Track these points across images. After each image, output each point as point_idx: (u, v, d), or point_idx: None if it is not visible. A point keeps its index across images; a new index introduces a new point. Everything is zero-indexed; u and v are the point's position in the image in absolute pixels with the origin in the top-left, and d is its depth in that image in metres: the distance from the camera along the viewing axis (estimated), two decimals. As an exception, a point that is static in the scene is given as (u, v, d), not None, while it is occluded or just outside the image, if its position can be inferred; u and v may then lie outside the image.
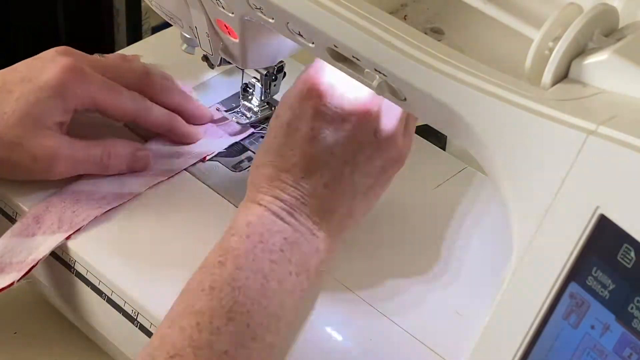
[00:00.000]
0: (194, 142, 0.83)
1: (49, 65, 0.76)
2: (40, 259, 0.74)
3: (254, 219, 0.69)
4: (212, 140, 0.84)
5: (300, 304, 0.68)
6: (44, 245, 0.74)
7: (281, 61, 0.82)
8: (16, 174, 0.77)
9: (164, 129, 0.82)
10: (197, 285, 0.66)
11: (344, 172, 0.71)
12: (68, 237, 0.75)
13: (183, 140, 0.82)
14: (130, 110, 0.80)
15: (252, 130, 0.85)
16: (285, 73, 0.84)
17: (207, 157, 0.82)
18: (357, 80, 0.66)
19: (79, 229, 0.75)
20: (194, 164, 0.82)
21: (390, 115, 0.72)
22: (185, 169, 0.81)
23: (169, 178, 0.80)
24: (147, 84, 0.82)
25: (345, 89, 0.70)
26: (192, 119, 0.84)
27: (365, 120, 0.71)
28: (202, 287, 0.65)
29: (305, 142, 0.70)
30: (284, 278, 0.67)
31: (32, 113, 0.75)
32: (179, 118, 0.83)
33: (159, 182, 0.80)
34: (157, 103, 0.82)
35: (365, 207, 0.73)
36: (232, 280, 0.65)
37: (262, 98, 0.85)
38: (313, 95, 0.70)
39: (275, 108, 0.86)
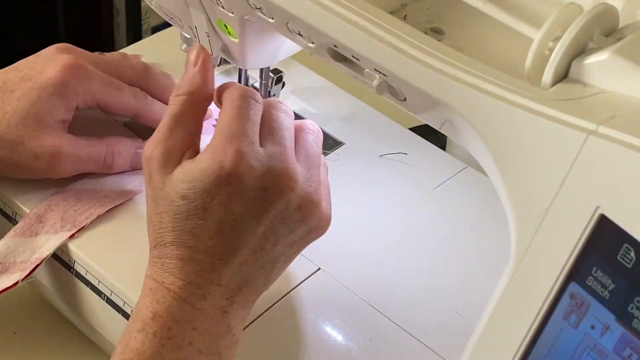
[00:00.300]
0: None
1: (50, 63, 0.76)
2: (44, 258, 0.74)
3: (161, 309, 0.64)
4: (210, 136, 0.84)
5: None
6: (48, 244, 0.74)
7: (280, 71, 0.82)
8: (18, 172, 0.77)
9: None
10: None
11: (265, 247, 0.67)
12: (72, 236, 0.75)
13: None
14: (132, 107, 0.80)
15: None
16: (284, 83, 0.84)
17: None
18: (357, 80, 0.66)
19: (82, 228, 0.75)
20: None
21: (312, 184, 0.68)
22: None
23: None
24: (147, 80, 0.82)
25: (263, 165, 0.66)
26: None
27: (288, 197, 0.66)
28: None
29: (225, 226, 0.65)
30: None
31: (33, 112, 0.75)
32: None
33: None
34: (157, 99, 0.82)
35: (282, 271, 0.70)
36: None
37: None
38: (231, 181, 0.65)
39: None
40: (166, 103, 0.82)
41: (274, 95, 0.84)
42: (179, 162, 0.67)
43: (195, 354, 0.64)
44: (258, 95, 0.69)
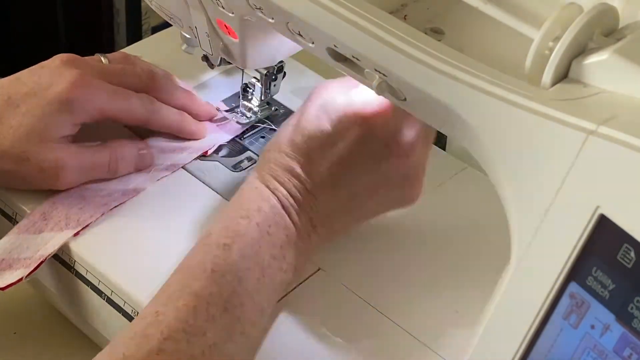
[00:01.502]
0: (202, 138, 0.83)
1: (56, 78, 0.76)
2: (49, 255, 0.74)
3: (266, 206, 0.69)
4: (213, 135, 0.84)
5: (280, 297, 0.70)
6: (52, 241, 0.75)
7: (281, 61, 0.82)
8: (25, 184, 0.77)
9: (174, 128, 0.82)
10: (198, 264, 0.66)
11: (362, 195, 0.72)
12: (76, 234, 0.75)
13: (192, 137, 0.83)
14: (141, 115, 0.80)
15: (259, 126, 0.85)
16: (285, 73, 0.84)
17: (209, 152, 0.83)
18: (357, 80, 0.66)
19: (86, 226, 0.75)
20: (195, 160, 0.82)
21: (422, 158, 0.74)
22: (185, 169, 0.81)
23: (172, 172, 0.80)
24: (152, 87, 0.82)
25: (396, 125, 0.71)
26: (197, 116, 0.84)
27: (403, 161, 0.72)
28: (204, 268, 0.65)
29: (339, 160, 0.71)
30: (276, 275, 0.68)
31: (38, 128, 0.75)
32: (188, 116, 0.83)
33: (159, 180, 0.80)
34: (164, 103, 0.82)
35: (358, 226, 0.75)
36: (235, 269, 0.65)
37: (262, 98, 0.85)
38: (366, 121, 0.70)
39: (275, 108, 0.87)
40: (172, 106, 0.82)
41: (274, 85, 0.84)
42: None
43: (281, 259, 0.68)
44: None
